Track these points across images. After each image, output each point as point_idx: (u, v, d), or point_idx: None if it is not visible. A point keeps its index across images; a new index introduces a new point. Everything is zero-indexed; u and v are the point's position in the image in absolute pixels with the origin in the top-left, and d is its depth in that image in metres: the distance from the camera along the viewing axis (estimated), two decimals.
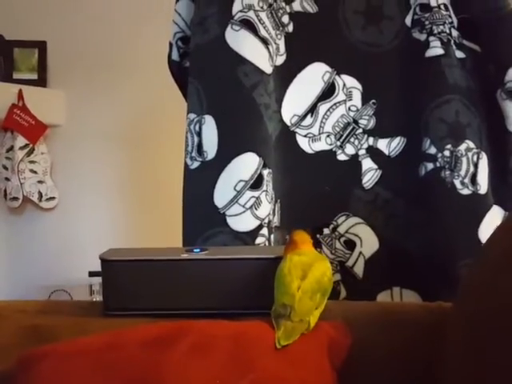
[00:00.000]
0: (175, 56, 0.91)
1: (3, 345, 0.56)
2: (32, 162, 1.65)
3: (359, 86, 0.86)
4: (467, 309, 0.45)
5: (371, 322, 0.56)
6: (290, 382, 0.44)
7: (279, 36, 0.85)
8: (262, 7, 0.83)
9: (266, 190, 0.81)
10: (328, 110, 0.86)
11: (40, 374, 0.44)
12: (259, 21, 0.82)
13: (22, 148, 1.64)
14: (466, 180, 0.82)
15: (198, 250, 0.62)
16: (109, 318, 0.59)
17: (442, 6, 0.84)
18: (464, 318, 0.45)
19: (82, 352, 0.45)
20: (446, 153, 0.82)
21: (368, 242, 0.86)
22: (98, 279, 1.64)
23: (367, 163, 0.86)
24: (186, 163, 0.84)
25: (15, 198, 1.63)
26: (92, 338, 0.47)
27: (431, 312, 0.59)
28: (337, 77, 0.86)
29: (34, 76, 1.72)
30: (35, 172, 1.66)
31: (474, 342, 0.41)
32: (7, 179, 1.64)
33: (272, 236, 0.83)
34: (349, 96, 0.86)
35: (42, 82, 1.72)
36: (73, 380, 0.42)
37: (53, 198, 1.69)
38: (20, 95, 1.64)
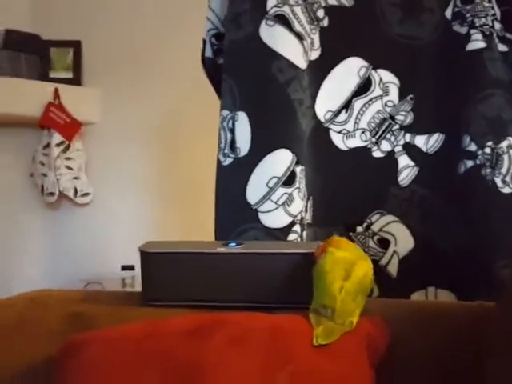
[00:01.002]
0: (209, 53, 0.91)
1: (50, 331, 0.58)
2: (68, 158, 1.69)
3: (396, 81, 0.84)
4: None
5: (409, 320, 0.55)
6: (329, 376, 0.44)
7: (314, 31, 0.84)
8: (296, 1, 0.82)
9: (299, 187, 0.81)
10: (363, 105, 0.85)
11: (85, 359, 0.45)
12: (294, 16, 0.82)
13: (58, 145, 1.68)
14: (508, 178, 0.79)
15: (234, 244, 0.62)
16: (147, 308, 0.60)
17: None
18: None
19: (124, 339, 0.46)
20: (487, 150, 0.80)
21: (403, 240, 0.84)
22: (131, 273, 1.69)
23: (404, 160, 0.84)
24: (218, 160, 0.85)
25: (51, 194, 1.67)
26: (133, 327, 0.48)
27: (471, 311, 0.57)
28: (373, 71, 0.85)
29: (70, 75, 1.77)
30: (71, 168, 1.70)
31: None
32: (44, 175, 1.69)
33: (304, 233, 0.83)
34: (385, 91, 0.84)
35: (76, 80, 1.76)
36: (116, 366, 0.44)
37: (87, 193, 1.73)
38: (56, 93, 1.68)
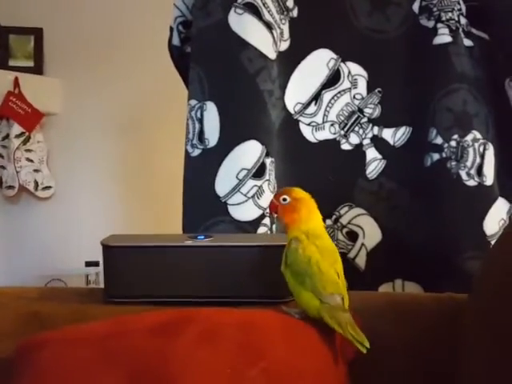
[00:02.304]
0: (176, 41, 0.89)
1: (2, 333, 0.54)
2: (28, 150, 1.64)
3: (365, 74, 0.85)
4: (484, 298, 0.44)
5: (382, 313, 0.55)
6: (302, 373, 0.43)
7: (283, 21, 0.83)
8: None
9: (269, 179, 0.80)
10: (332, 97, 0.85)
11: (40, 362, 0.42)
12: (263, 5, 0.80)
13: (17, 136, 1.62)
14: (472, 171, 0.81)
15: (203, 237, 0.61)
16: (110, 306, 0.58)
17: None
18: (482, 308, 0.44)
19: (85, 339, 0.43)
20: (453, 143, 0.81)
21: (371, 233, 0.84)
22: (95, 269, 1.64)
23: (371, 153, 0.85)
24: (186, 151, 0.83)
25: (11, 187, 1.61)
26: (95, 326, 0.46)
27: (443, 303, 0.58)
28: (342, 64, 0.84)
29: (31, 63, 1.70)
30: (31, 161, 1.64)
31: (493, 329, 0.40)
32: (3, 167, 1.63)
33: (274, 226, 0.82)
34: (354, 84, 0.84)
35: (38, 69, 1.70)
36: (75, 368, 0.41)
37: (49, 187, 1.67)
38: (16, 83, 1.62)
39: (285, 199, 0.55)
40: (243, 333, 0.44)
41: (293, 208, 0.54)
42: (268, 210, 0.79)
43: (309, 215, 0.54)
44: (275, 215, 0.56)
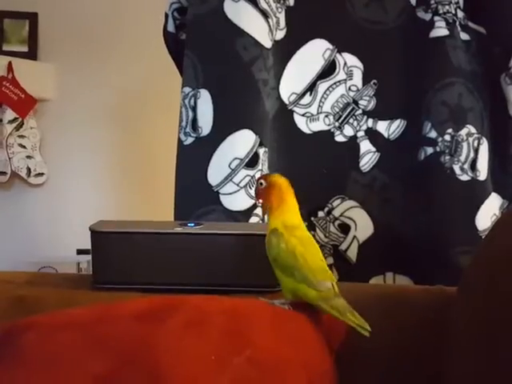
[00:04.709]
0: (171, 28, 0.88)
1: None
2: (21, 136, 1.62)
3: (360, 65, 0.84)
4: (473, 297, 0.44)
5: (371, 305, 0.55)
6: (287, 362, 0.43)
7: (280, 9, 0.82)
8: None
9: (262, 170, 0.80)
10: (327, 89, 0.84)
11: (24, 345, 0.41)
12: None
13: (10, 122, 1.60)
14: (466, 166, 0.81)
15: (193, 225, 0.60)
16: (98, 292, 0.58)
17: None
18: (469, 306, 0.44)
19: (71, 324, 0.43)
20: (447, 137, 0.81)
21: (363, 226, 0.84)
22: (86, 257, 1.63)
23: (365, 145, 0.84)
24: (179, 139, 0.82)
25: (3, 173, 1.61)
26: (81, 311, 0.45)
27: (433, 295, 0.58)
28: (338, 55, 0.84)
29: (25, 48, 1.68)
30: (24, 147, 1.63)
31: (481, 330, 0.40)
32: None
33: (266, 216, 0.81)
34: (349, 75, 0.84)
35: (32, 54, 1.68)
36: (60, 352, 0.40)
37: (41, 173, 1.67)
38: (10, 67, 1.60)
39: (261, 183, 0.55)
40: (230, 321, 0.44)
41: (267, 192, 0.54)
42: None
43: (280, 202, 0.53)
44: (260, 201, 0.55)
